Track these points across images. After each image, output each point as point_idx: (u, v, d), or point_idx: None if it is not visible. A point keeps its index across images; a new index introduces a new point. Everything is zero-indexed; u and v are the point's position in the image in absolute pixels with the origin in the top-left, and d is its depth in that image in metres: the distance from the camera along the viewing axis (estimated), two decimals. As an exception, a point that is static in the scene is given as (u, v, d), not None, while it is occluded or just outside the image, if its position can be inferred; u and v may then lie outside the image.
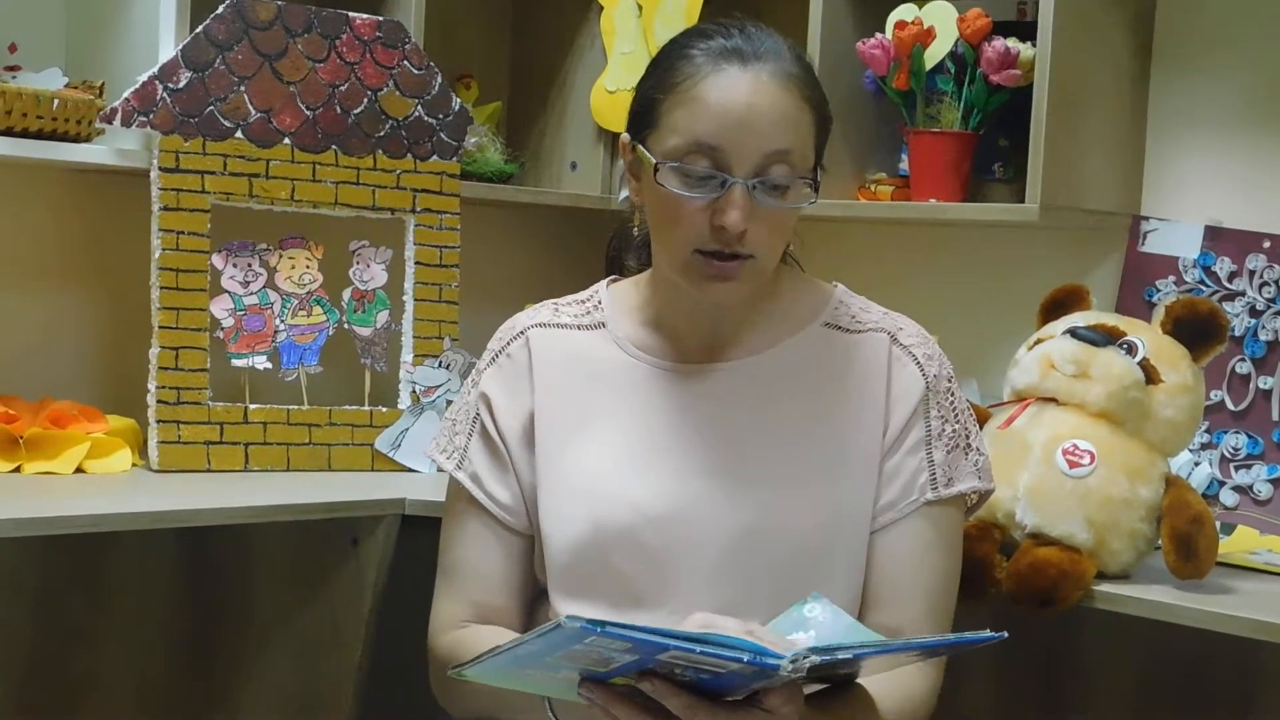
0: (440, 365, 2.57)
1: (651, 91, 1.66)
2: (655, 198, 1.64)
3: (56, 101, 2.27)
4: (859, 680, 1.58)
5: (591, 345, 1.76)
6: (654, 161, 1.62)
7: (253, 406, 2.44)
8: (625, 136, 1.70)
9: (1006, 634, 1.45)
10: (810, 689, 1.53)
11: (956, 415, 1.73)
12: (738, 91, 1.60)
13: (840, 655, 1.39)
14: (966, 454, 1.72)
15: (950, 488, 1.70)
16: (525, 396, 1.74)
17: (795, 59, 1.65)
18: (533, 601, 1.76)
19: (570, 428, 1.72)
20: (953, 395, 1.73)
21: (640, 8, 2.81)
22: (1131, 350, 2.00)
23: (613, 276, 1.83)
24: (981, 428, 1.99)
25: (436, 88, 2.59)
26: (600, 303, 1.79)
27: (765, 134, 1.60)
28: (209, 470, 2.39)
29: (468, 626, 1.74)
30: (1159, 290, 2.46)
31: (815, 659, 1.36)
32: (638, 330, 1.75)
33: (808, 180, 1.63)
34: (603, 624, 1.30)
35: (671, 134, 1.62)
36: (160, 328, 2.37)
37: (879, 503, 1.69)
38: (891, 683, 1.62)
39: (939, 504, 1.70)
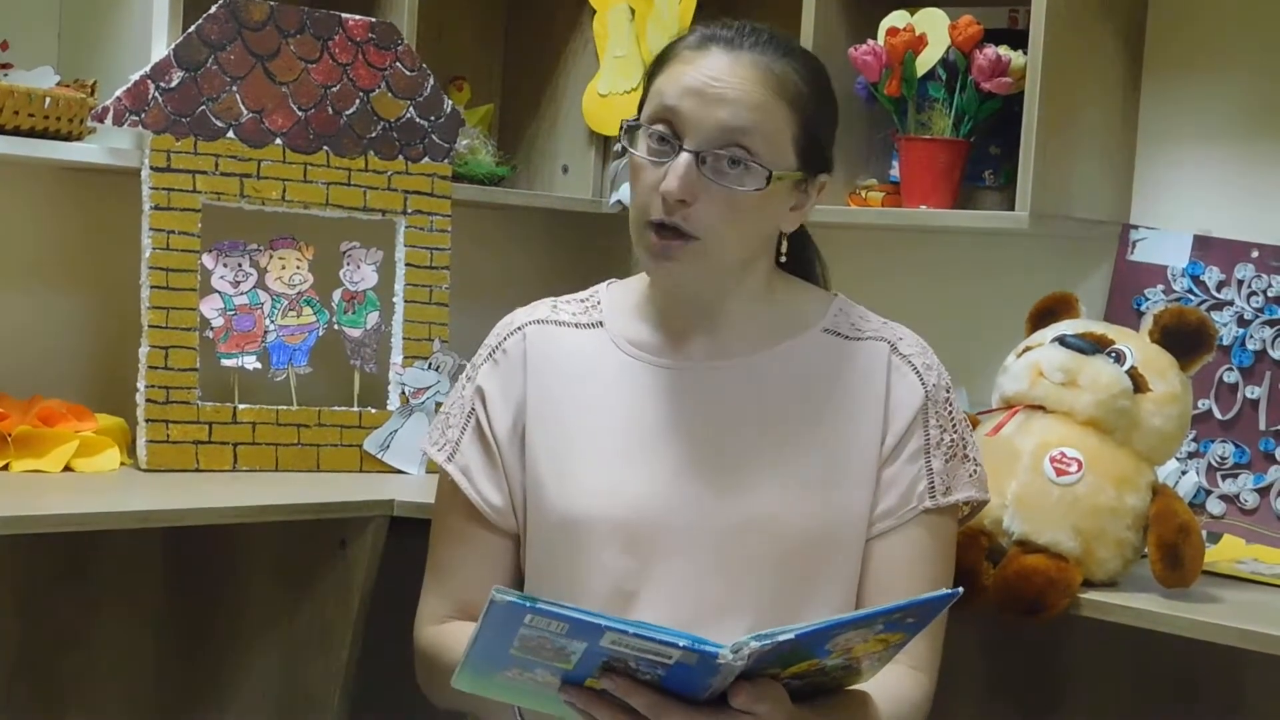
0: (430, 367, 2.57)
1: (649, 71, 1.70)
2: (629, 167, 1.67)
3: (48, 100, 2.26)
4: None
5: (588, 343, 1.76)
6: (624, 123, 1.65)
7: (242, 406, 2.44)
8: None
9: (961, 590, 1.46)
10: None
11: (954, 425, 1.73)
12: (711, 66, 1.63)
13: (782, 639, 1.39)
14: (964, 464, 1.73)
15: (949, 496, 1.71)
16: (519, 391, 1.74)
17: (790, 65, 1.65)
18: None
19: (563, 424, 1.72)
20: (950, 405, 1.74)
21: (633, 12, 2.81)
22: (1120, 359, 2.00)
23: (613, 279, 1.84)
24: (970, 434, 2.00)
25: (429, 90, 2.59)
26: (599, 302, 1.80)
27: (724, 109, 1.61)
28: (197, 470, 2.39)
29: (448, 622, 1.75)
30: (1148, 299, 2.46)
31: (755, 645, 1.37)
32: (635, 328, 1.76)
33: (765, 170, 1.61)
34: (533, 600, 1.33)
35: (649, 102, 1.67)
36: (150, 327, 2.37)
37: (876, 510, 1.69)
38: (885, 687, 1.61)
39: (936, 512, 1.71)
